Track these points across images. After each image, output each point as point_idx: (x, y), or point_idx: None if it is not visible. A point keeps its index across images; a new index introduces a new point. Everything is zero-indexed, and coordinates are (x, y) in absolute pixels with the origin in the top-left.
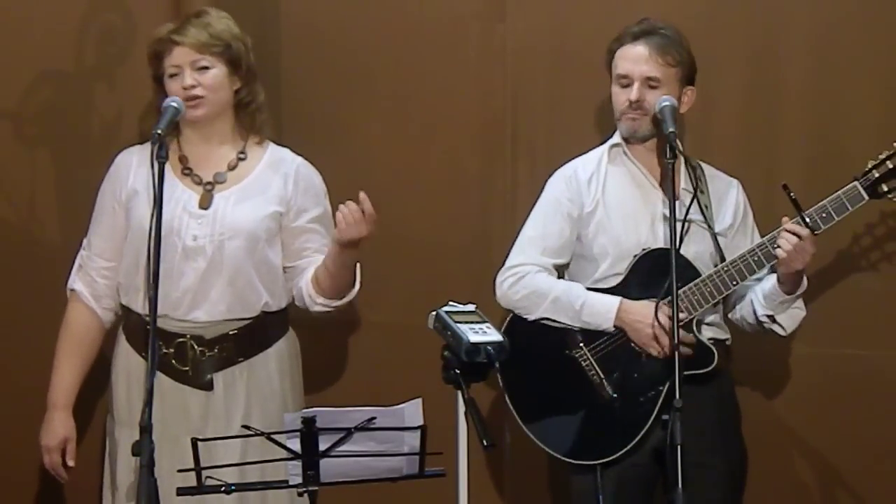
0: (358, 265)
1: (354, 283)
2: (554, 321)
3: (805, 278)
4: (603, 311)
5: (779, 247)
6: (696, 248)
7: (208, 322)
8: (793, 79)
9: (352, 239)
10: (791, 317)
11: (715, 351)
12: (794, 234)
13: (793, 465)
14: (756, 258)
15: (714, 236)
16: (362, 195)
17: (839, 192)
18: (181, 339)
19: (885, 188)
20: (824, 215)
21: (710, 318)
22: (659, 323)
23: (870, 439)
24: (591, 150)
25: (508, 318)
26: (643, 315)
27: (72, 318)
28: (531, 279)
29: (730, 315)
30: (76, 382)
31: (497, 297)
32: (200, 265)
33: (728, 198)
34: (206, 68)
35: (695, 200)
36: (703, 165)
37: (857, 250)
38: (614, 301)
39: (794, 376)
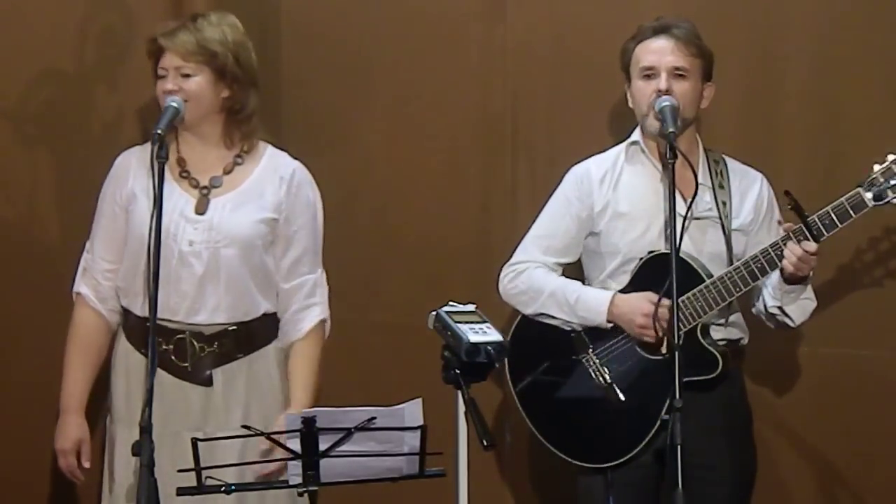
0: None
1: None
2: (550, 316)
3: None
4: (596, 305)
5: (784, 259)
6: (710, 250)
7: (208, 324)
8: (793, 79)
9: None
10: (801, 308)
11: (719, 357)
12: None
13: (793, 464)
14: (759, 265)
15: (727, 235)
16: None
17: (842, 198)
18: (181, 336)
19: (891, 193)
20: (827, 222)
21: (721, 319)
22: (653, 313)
23: (870, 439)
24: (608, 149)
25: (516, 323)
26: (633, 307)
27: (79, 321)
28: (529, 275)
29: (752, 309)
30: (87, 385)
31: (499, 292)
32: (197, 270)
33: (751, 192)
34: (189, 76)
35: (714, 197)
36: (728, 160)
37: (857, 251)
38: (607, 295)
39: (795, 376)
